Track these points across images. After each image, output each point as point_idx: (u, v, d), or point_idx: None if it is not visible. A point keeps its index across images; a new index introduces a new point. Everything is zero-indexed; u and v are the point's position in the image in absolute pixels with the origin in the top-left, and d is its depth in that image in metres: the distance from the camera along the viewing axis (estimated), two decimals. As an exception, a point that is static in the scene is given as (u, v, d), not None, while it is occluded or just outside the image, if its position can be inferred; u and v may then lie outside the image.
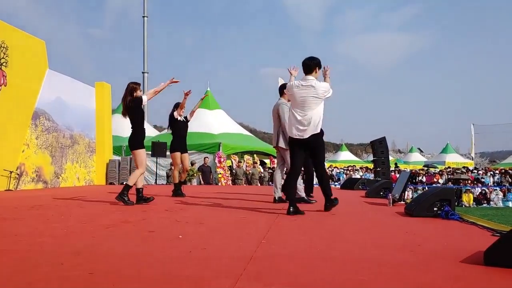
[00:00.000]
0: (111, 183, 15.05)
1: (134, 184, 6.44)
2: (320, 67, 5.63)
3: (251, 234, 3.76)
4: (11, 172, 10.29)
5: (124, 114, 6.47)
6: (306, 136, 5.37)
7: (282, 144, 6.90)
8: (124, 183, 6.66)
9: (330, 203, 5.65)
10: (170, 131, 8.43)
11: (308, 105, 5.39)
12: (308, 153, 5.60)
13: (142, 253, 2.87)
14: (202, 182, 16.44)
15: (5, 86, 10.33)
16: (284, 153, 6.97)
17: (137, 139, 6.43)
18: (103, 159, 15.24)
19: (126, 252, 2.91)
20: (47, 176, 12.02)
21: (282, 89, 7.17)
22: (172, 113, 8.18)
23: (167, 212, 5.52)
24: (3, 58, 10.26)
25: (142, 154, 6.42)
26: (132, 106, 6.36)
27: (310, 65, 5.53)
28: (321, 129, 5.49)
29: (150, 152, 16.31)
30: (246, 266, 2.46)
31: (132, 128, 6.48)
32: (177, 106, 8.19)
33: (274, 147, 7.35)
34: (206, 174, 16.62)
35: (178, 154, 8.19)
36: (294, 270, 2.42)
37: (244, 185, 17.51)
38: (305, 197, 6.87)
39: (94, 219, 4.67)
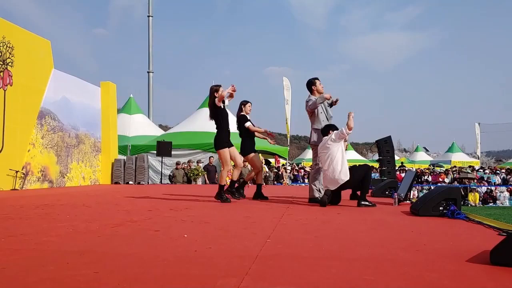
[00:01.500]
0: (116, 183, 15.10)
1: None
2: (336, 129, 6.54)
3: (256, 233, 3.75)
4: (17, 172, 10.34)
5: (210, 117, 7.00)
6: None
7: (314, 139, 7.00)
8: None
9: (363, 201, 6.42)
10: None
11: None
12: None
13: (147, 252, 2.88)
14: (207, 181, 16.46)
15: (11, 85, 10.38)
16: (313, 149, 7.01)
17: (218, 140, 6.86)
18: (109, 158, 15.29)
19: (131, 252, 2.91)
20: (52, 176, 12.07)
21: (310, 85, 7.17)
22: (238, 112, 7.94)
23: (172, 211, 5.53)
24: (8, 58, 10.31)
25: (224, 153, 6.82)
26: (213, 109, 6.87)
27: (326, 131, 6.61)
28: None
29: (155, 152, 16.39)
30: (251, 265, 2.46)
31: (216, 129, 6.97)
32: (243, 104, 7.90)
33: (309, 143, 7.43)
34: (211, 173, 16.64)
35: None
36: (299, 270, 2.41)
37: (249, 184, 17.51)
38: (319, 198, 6.79)
39: (100, 219, 4.68)
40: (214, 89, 6.89)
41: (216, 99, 6.78)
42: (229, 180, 7.62)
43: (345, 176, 6.19)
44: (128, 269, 2.38)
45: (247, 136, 7.62)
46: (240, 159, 7.12)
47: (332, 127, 6.63)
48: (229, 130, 6.95)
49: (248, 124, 7.31)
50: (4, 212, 5.36)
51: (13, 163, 10.34)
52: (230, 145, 6.90)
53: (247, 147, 7.59)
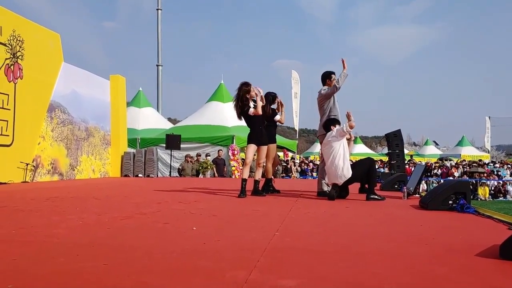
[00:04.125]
0: (126, 175, 15.17)
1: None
2: (337, 124, 6.59)
3: (265, 226, 3.76)
4: (27, 164, 10.42)
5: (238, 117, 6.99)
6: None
7: (321, 131, 6.93)
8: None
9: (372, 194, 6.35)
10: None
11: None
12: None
13: (157, 245, 2.89)
14: (216, 174, 16.49)
15: (21, 79, 10.44)
16: (320, 140, 6.94)
17: (248, 136, 6.90)
18: (118, 151, 15.35)
19: (140, 244, 2.93)
20: (62, 168, 12.15)
21: (326, 78, 7.11)
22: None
23: (181, 204, 5.55)
24: (19, 51, 10.37)
25: (247, 149, 6.89)
26: (239, 112, 6.87)
27: (328, 125, 6.62)
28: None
29: (164, 145, 16.45)
30: (260, 258, 2.47)
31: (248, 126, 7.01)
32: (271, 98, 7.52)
33: (317, 136, 7.37)
34: (220, 166, 16.66)
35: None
36: (307, 263, 2.42)
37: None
38: (327, 191, 6.75)
39: (109, 211, 4.71)
40: (246, 90, 6.77)
41: (253, 110, 6.72)
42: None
43: (348, 173, 6.18)
44: (137, 261, 2.39)
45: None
46: (261, 159, 6.99)
47: (334, 122, 6.59)
48: (261, 128, 6.85)
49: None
50: (15, 204, 5.41)
51: (24, 155, 10.42)
52: (259, 143, 6.79)
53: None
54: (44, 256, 2.52)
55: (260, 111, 6.67)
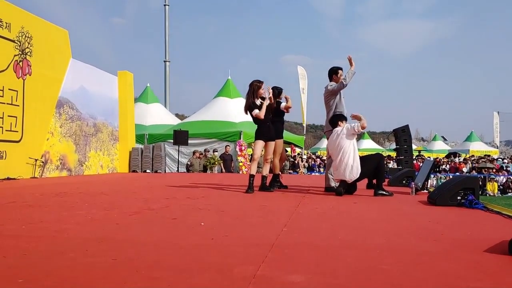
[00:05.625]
0: (134, 171, 15.22)
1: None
2: (344, 120, 6.55)
3: (273, 222, 3.77)
4: (36, 160, 10.48)
5: (245, 111, 6.94)
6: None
7: (328, 127, 6.88)
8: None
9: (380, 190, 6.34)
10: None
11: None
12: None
13: (165, 240, 2.91)
14: (223, 170, 16.51)
15: (30, 75, 10.49)
16: (327, 136, 6.90)
17: (255, 132, 6.91)
18: (126, 147, 15.40)
19: (149, 239, 2.94)
20: (71, 164, 12.22)
21: (332, 73, 7.09)
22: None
23: (189, 199, 5.56)
24: (27, 47, 10.41)
25: (255, 144, 6.89)
26: (251, 105, 6.80)
27: (335, 121, 6.58)
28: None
29: (172, 141, 16.50)
30: (268, 253, 2.47)
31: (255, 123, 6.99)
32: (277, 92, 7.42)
33: (324, 132, 7.35)
34: (227, 162, 16.67)
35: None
36: (315, 258, 2.42)
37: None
38: (335, 187, 6.75)
39: (118, 207, 4.73)
40: (257, 86, 6.79)
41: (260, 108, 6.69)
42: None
43: (357, 172, 6.15)
44: (146, 256, 2.40)
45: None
46: (269, 155, 6.98)
47: (341, 118, 6.56)
48: (268, 124, 6.82)
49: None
50: (24, 199, 5.45)
51: (33, 151, 10.48)
52: (266, 138, 6.80)
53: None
54: (54, 251, 2.54)
55: (262, 116, 6.65)
